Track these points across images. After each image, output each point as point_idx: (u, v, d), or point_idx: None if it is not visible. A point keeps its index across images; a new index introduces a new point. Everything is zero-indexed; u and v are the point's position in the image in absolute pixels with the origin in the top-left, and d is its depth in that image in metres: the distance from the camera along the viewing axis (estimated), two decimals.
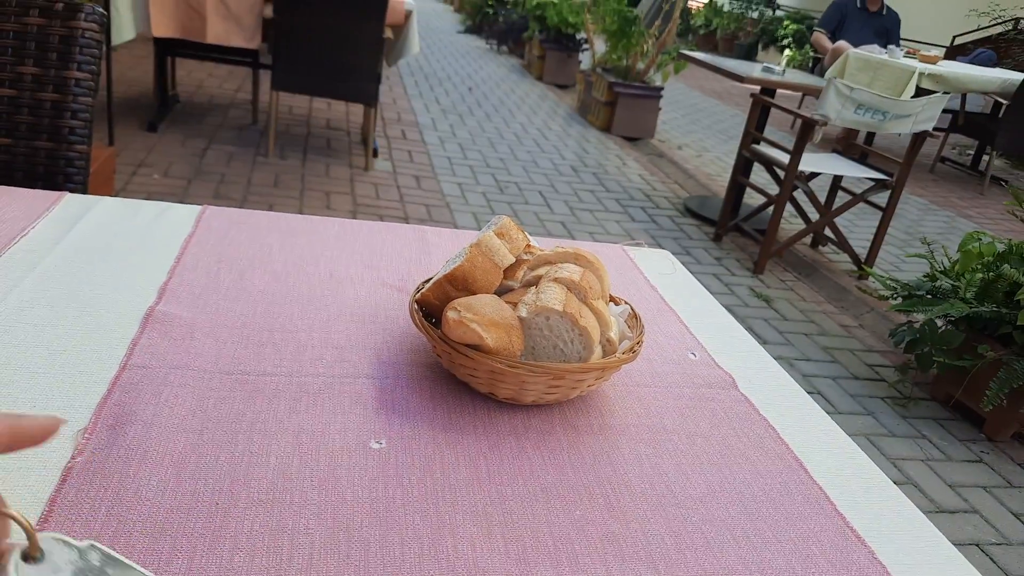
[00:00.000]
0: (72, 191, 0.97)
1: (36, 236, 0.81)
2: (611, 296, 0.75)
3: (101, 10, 1.09)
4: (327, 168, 4.17)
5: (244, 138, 4.38)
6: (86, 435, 0.54)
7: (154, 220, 0.90)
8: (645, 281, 0.98)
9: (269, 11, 3.84)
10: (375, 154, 4.49)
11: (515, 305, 0.64)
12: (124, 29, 3.64)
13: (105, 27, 1.10)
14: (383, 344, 0.72)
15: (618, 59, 6.07)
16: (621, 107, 5.99)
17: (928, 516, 0.64)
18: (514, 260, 0.70)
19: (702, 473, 0.62)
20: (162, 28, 3.79)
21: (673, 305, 0.93)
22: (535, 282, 0.67)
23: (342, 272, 0.86)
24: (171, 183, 3.60)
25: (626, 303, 0.75)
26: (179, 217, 0.92)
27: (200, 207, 0.95)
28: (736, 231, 4.20)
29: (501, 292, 0.69)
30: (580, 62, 7.79)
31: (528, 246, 0.73)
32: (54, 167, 1.10)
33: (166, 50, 4.21)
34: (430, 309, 0.67)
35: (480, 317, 0.60)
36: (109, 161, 2.29)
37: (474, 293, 0.65)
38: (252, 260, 0.84)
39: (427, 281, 0.70)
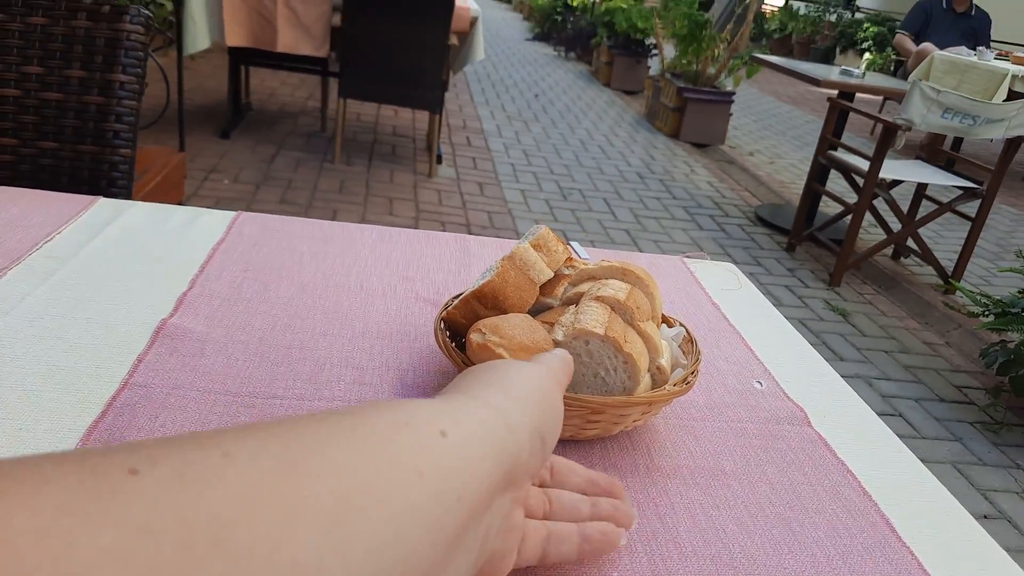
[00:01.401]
0: (116, 195, 0.95)
1: (61, 242, 0.78)
2: (663, 316, 0.66)
3: (147, 12, 1.07)
4: (391, 174, 4.17)
5: (312, 145, 4.43)
6: None
7: (185, 226, 0.86)
8: (707, 298, 0.89)
9: (338, 20, 3.87)
10: (439, 160, 4.48)
11: (551, 327, 0.56)
12: (199, 38, 3.73)
13: (150, 29, 1.08)
14: (409, 365, 0.65)
15: (688, 64, 5.92)
16: (690, 113, 5.83)
17: (1022, 555, 0.55)
18: (552, 275, 0.62)
19: (767, 529, 0.53)
20: (235, 37, 3.86)
21: (737, 325, 0.83)
22: (575, 300, 0.59)
23: (374, 283, 0.80)
24: (240, 188, 3.66)
25: (681, 324, 0.66)
26: (212, 223, 0.88)
27: (235, 212, 0.91)
28: (811, 241, 4.00)
29: (537, 311, 0.62)
30: (648, 67, 7.66)
31: (570, 259, 0.65)
32: (98, 171, 1.09)
33: (240, 59, 4.30)
34: (457, 329, 0.60)
35: (507, 340, 0.53)
36: (179, 167, 2.32)
37: (505, 312, 0.57)
38: (280, 269, 0.79)
39: (456, 297, 0.63)
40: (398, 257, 0.87)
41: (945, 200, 3.51)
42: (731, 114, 6.04)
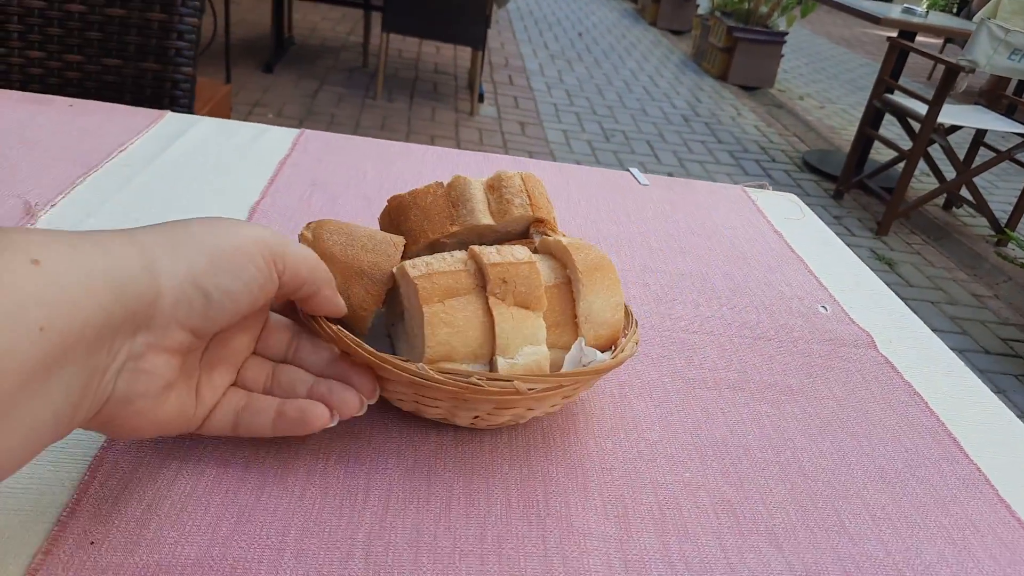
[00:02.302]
0: (177, 112, 0.96)
1: (134, 152, 0.79)
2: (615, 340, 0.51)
3: None
4: (433, 112, 4.14)
5: (354, 80, 4.40)
6: None
7: (252, 141, 0.87)
8: (769, 226, 0.88)
9: None
10: (481, 99, 4.43)
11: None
12: None
13: None
14: None
15: (740, 2, 5.71)
16: (740, 54, 5.65)
17: None
18: (490, 223, 0.52)
19: (835, 442, 0.54)
20: None
21: (801, 253, 0.82)
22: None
23: None
24: (283, 122, 3.67)
25: (613, 351, 0.49)
26: (276, 139, 0.89)
27: (297, 131, 0.92)
28: (860, 188, 3.91)
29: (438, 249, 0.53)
30: (697, 5, 7.40)
31: (540, 222, 0.55)
32: (160, 89, 1.10)
33: None
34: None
35: (320, 244, 0.47)
36: (225, 99, 2.33)
37: (400, 233, 0.52)
38: (346, 184, 0.80)
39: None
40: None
41: (1004, 148, 3.38)
42: (783, 55, 5.84)
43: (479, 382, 0.43)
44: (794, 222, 0.91)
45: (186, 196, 0.72)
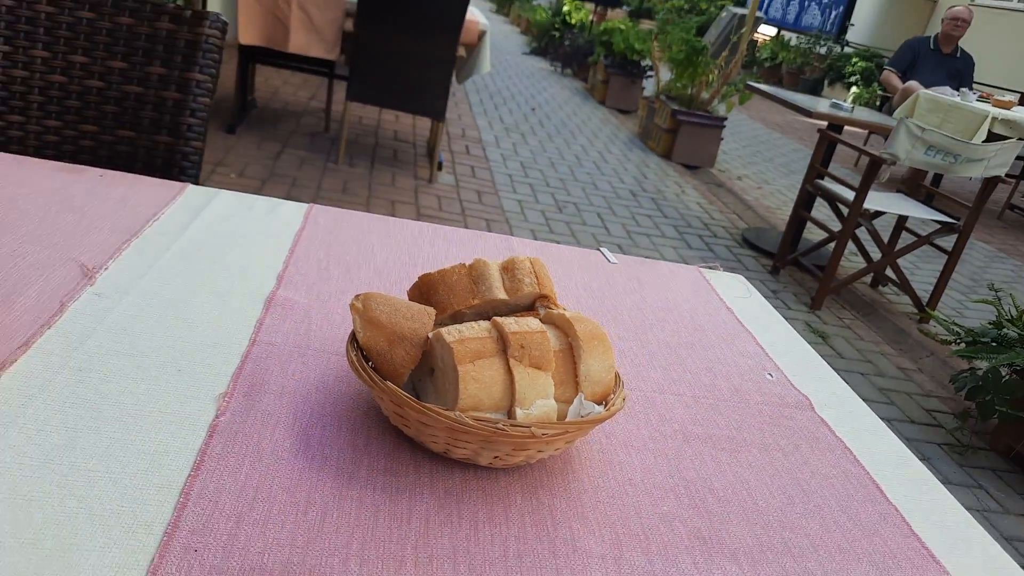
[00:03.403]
0: (186, 182, 1.05)
1: (166, 220, 0.88)
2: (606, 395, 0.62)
3: (224, 19, 1.18)
4: (393, 178, 4.28)
5: (316, 144, 4.52)
6: (226, 399, 0.60)
7: (267, 213, 0.97)
8: (721, 303, 1.02)
9: (349, 25, 3.98)
10: (439, 167, 4.59)
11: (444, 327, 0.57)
12: None
13: (225, 34, 1.19)
14: None
15: (683, 87, 6.09)
16: (683, 135, 6.00)
17: None
18: (505, 298, 0.63)
19: (781, 485, 0.66)
20: (248, 36, 3.96)
21: (749, 327, 0.96)
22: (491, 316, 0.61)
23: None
24: (246, 183, 3.74)
25: (606, 404, 0.62)
26: (289, 212, 0.99)
27: (307, 205, 1.02)
28: (794, 265, 4.17)
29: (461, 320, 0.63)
30: (643, 88, 7.83)
31: (545, 297, 0.66)
32: (171, 160, 1.19)
33: (249, 57, 4.39)
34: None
35: (368, 313, 0.58)
36: None
37: (431, 306, 0.62)
38: (357, 257, 0.91)
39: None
40: (455, 252, 0.99)
41: (924, 233, 3.68)
42: (722, 138, 6.22)
43: (504, 427, 0.53)
44: (742, 300, 1.04)
45: (220, 263, 0.82)
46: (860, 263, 4.17)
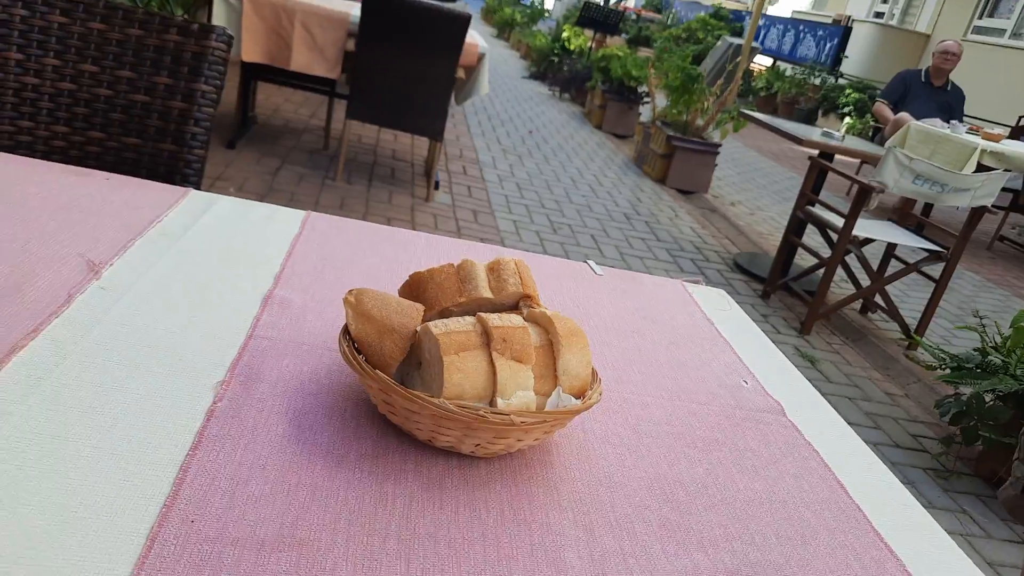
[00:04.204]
0: (186, 187, 1.09)
1: (169, 223, 0.92)
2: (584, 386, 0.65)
3: (231, 33, 1.23)
4: (390, 196, 4.33)
5: (314, 161, 4.58)
6: (224, 386, 0.63)
7: (266, 219, 1.01)
8: (702, 315, 1.05)
9: (351, 44, 4.05)
10: (436, 186, 4.64)
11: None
12: None
13: (231, 47, 1.24)
14: None
15: (678, 114, 6.18)
16: (678, 160, 6.08)
17: None
18: (490, 297, 0.67)
19: (749, 482, 0.69)
20: (251, 53, 4.02)
21: (728, 338, 0.99)
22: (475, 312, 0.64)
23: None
24: (245, 197, 3.78)
25: (585, 397, 0.65)
26: (287, 218, 1.03)
27: (305, 212, 1.06)
28: (785, 290, 4.22)
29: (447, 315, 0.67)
30: (640, 114, 7.94)
31: (528, 297, 0.70)
32: (174, 167, 1.23)
33: (251, 74, 4.46)
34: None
35: (361, 306, 0.61)
36: None
37: (418, 303, 0.65)
38: (350, 261, 0.94)
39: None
40: (444, 260, 1.02)
41: (912, 261, 3.74)
42: (716, 164, 6.30)
43: (485, 415, 0.57)
44: (722, 312, 1.08)
45: (219, 263, 0.85)
46: (850, 289, 4.22)
